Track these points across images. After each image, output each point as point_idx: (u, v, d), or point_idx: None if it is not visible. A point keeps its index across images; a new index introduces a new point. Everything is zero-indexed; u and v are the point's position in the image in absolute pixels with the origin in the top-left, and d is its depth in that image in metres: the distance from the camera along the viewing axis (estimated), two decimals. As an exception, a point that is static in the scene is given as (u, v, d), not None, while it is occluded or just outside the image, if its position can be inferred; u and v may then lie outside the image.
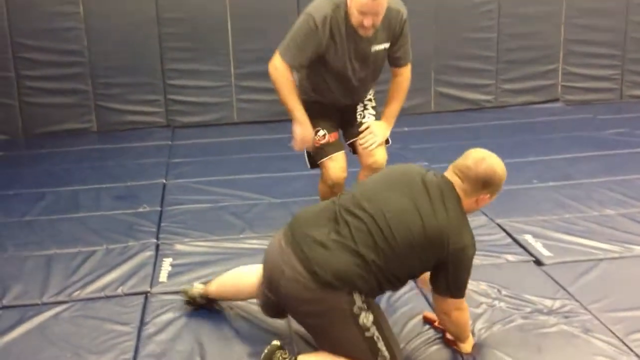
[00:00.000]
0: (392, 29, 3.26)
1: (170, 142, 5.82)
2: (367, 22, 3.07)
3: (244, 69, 6.24)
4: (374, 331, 2.38)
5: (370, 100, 3.62)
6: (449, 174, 2.51)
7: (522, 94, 6.71)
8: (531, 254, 3.49)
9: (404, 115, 6.53)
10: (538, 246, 3.55)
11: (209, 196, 4.46)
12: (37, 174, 5.03)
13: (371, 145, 3.45)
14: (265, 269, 2.54)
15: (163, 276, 3.36)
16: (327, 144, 3.45)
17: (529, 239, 3.64)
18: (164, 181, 4.78)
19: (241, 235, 3.84)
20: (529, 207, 4.09)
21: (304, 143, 3.39)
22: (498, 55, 6.59)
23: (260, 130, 6.09)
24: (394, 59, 3.41)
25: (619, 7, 6.62)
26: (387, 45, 3.30)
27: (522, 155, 5.09)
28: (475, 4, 6.43)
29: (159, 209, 4.26)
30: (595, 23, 6.63)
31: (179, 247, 3.70)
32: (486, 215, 3.96)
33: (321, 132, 3.43)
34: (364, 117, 3.56)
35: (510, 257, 3.47)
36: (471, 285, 3.15)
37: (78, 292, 3.23)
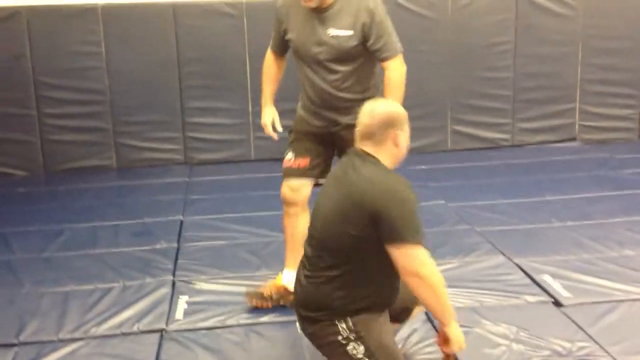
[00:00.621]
0: (359, 15, 3.04)
1: (187, 179, 5.87)
2: None
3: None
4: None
5: None
6: (358, 145, 2.47)
7: (539, 133, 6.70)
8: (550, 295, 3.45)
9: (421, 154, 6.62)
10: (557, 287, 3.51)
11: (225, 233, 4.47)
12: (56, 211, 5.08)
13: None
14: None
15: (179, 313, 3.37)
16: (290, 168, 3.33)
17: (547, 279, 3.60)
18: (181, 218, 4.80)
19: (257, 273, 3.84)
20: (547, 247, 4.06)
21: (264, 128, 3.43)
22: (514, 94, 6.60)
23: (277, 168, 6.00)
24: (375, 53, 3.12)
25: (636, 46, 6.63)
26: (350, 33, 3.05)
27: (540, 194, 5.07)
28: (491, 44, 6.48)
29: (175, 245, 4.28)
30: (612, 63, 6.64)
31: (195, 284, 3.71)
32: (504, 254, 3.94)
33: (289, 155, 3.34)
34: None
35: (528, 298, 3.44)
36: (489, 325, 3.14)
37: (94, 329, 3.24)
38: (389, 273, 2.37)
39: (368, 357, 2.37)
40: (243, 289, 3.59)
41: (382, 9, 3.10)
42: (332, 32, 3.06)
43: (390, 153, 2.44)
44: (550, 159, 6.18)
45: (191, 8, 6.11)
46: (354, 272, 2.37)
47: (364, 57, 3.14)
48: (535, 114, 6.67)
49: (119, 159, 6.30)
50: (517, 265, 3.81)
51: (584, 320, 3.16)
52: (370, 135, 2.42)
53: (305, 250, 2.53)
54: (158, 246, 4.27)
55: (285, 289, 3.35)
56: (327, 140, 3.31)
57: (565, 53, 6.57)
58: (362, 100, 3.02)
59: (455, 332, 2.39)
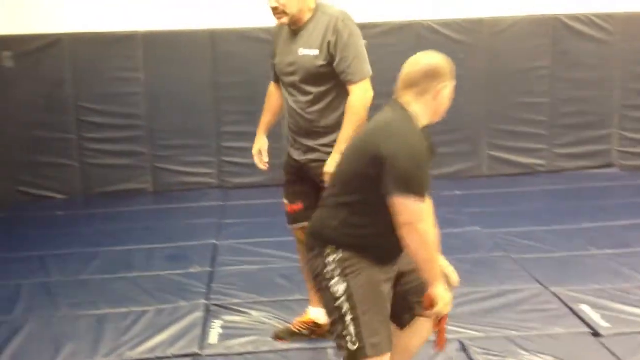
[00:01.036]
0: (326, 35, 2.94)
1: (222, 203, 5.91)
2: (271, 2, 2.96)
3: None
4: (343, 303, 2.31)
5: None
6: (398, 94, 2.41)
7: (576, 159, 6.60)
8: (588, 325, 3.37)
9: (456, 179, 6.58)
10: (595, 317, 3.44)
11: (259, 258, 4.49)
12: (93, 234, 5.16)
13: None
14: None
15: (213, 338, 3.38)
16: (287, 213, 3.30)
17: (585, 309, 3.53)
18: (215, 242, 4.83)
19: (290, 298, 3.84)
20: (585, 276, 3.98)
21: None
22: (551, 119, 6.54)
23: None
24: (340, 75, 2.98)
25: (676, 72, 6.53)
26: (316, 52, 2.95)
27: (577, 221, 4.99)
28: (527, 69, 6.44)
29: (209, 269, 4.30)
30: (651, 88, 6.55)
31: (229, 308, 3.71)
32: (540, 283, 3.87)
33: (285, 200, 3.32)
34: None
35: (566, 328, 3.37)
36: (526, 356, 3.08)
37: (129, 352, 3.27)
38: (389, 225, 2.29)
39: (346, 298, 2.31)
40: (277, 314, 3.60)
41: (352, 30, 2.97)
42: (302, 51, 2.99)
43: (429, 106, 2.38)
44: (587, 186, 6.08)
45: (228, 34, 6.21)
46: (355, 209, 2.33)
47: (337, 79, 3.00)
48: (572, 140, 6.58)
49: (156, 183, 6.38)
50: (554, 294, 3.74)
51: (623, 351, 3.09)
52: (412, 84, 2.36)
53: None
54: (192, 270, 4.30)
55: (315, 323, 3.34)
56: (309, 176, 3.19)
57: (603, 78, 6.50)
58: (336, 127, 2.99)
59: (441, 291, 2.31)
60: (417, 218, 2.23)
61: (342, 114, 3.01)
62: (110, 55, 6.16)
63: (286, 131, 3.23)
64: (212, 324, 3.54)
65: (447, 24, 6.25)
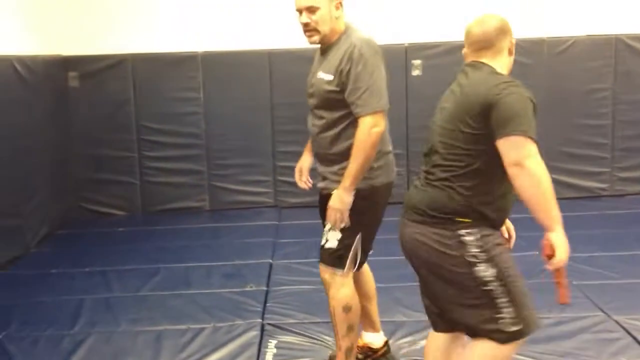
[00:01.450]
0: (341, 61, 2.79)
1: (277, 222, 5.95)
2: (302, 18, 2.82)
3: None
4: (495, 287, 2.28)
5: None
6: (471, 59, 2.44)
7: (639, 183, 6.42)
8: (654, 356, 3.26)
9: (514, 202, 6.43)
10: (661, 347, 3.32)
11: (314, 278, 4.46)
12: (152, 250, 5.27)
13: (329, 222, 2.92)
14: (405, 253, 2.53)
15: (268, 358, 3.39)
16: None
17: (650, 338, 3.41)
18: (271, 261, 4.87)
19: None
20: (650, 304, 3.85)
21: None
22: (613, 142, 6.39)
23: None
24: (350, 105, 2.81)
25: None
26: (330, 77, 2.82)
27: (641, 247, 4.84)
28: (589, 90, 6.31)
29: (264, 288, 4.33)
30: None
31: (284, 328, 3.72)
32: (603, 311, 3.76)
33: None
34: (327, 239, 2.98)
35: (629, 359, 3.26)
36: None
37: (185, 369, 3.30)
38: (507, 183, 2.26)
39: (499, 281, 2.27)
40: (331, 335, 3.58)
41: (368, 60, 2.77)
42: (320, 74, 2.89)
43: (505, 63, 2.41)
44: (652, 210, 5.91)
45: (285, 54, 6.29)
46: (477, 174, 2.29)
47: (349, 109, 2.83)
48: (636, 163, 6.42)
49: (212, 201, 6.48)
50: (617, 322, 3.63)
51: (691, 386, 2.97)
52: (488, 45, 2.38)
53: (423, 166, 2.48)
54: (248, 288, 4.33)
55: (370, 348, 3.32)
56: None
57: (668, 100, 6.33)
58: (348, 156, 2.80)
59: (560, 239, 2.19)
60: (526, 154, 2.14)
61: (352, 146, 2.85)
62: (171, 75, 6.32)
63: None
64: (268, 343, 3.55)
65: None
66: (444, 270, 2.35)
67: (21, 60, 5.32)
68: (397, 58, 6.32)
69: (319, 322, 3.78)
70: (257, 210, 6.33)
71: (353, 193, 2.84)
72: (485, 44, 2.39)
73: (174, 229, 5.89)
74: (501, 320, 2.29)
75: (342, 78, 2.79)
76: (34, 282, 4.61)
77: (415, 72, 6.33)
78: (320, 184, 3.07)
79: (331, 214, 2.88)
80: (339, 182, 2.86)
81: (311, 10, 2.78)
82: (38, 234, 5.52)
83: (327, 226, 2.97)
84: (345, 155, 2.85)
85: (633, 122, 6.36)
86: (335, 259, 2.96)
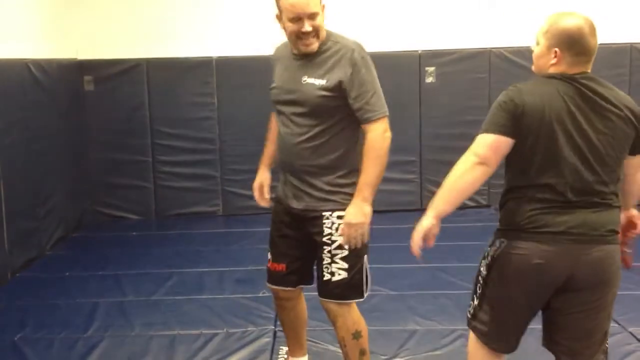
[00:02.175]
0: (337, 65, 2.65)
1: (290, 228, 5.95)
2: (305, 26, 2.60)
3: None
4: None
5: (330, 239, 2.72)
6: (582, 70, 2.33)
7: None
8: (669, 369, 3.24)
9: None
10: (676, 360, 3.30)
11: (327, 285, 4.48)
12: (166, 255, 5.29)
13: (348, 243, 2.70)
14: (550, 278, 2.30)
15: (280, 364, 3.39)
16: (268, 269, 3.02)
17: (666, 351, 3.39)
18: (284, 267, 4.86)
19: (358, 328, 3.81)
20: (666, 315, 3.83)
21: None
22: (628, 151, 6.35)
23: (381, 220, 6.10)
24: (357, 113, 2.66)
25: None
26: (322, 83, 2.64)
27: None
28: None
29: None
30: None
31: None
32: (618, 322, 3.73)
33: (268, 255, 3.02)
34: (331, 272, 2.75)
35: (645, 370, 3.24)
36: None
37: (199, 375, 3.31)
38: None
39: None
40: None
41: (369, 64, 2.68)
42: (306, 79, 2.69)
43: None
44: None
45: (300, 61, 6.29)
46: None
47: (339, 117, 2.69)
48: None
49: (225, 206, 6.50)
50: (631, 334, 3.61)
51: None
52: (594, 53, 2.33)
53: (576, 192, 2.25)
54: (260, 294, 4.34)
55: None
56: (306, 233, 2.83)
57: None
58: (330, 170, 2.68)
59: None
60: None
61: (340, 157, 2.71)
62: (185, 80, 6.36)
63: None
64: (280, 350, 3.56)
65: (518, 51, 6.18)
66: (615, 290, 2.40)
67: (37, 63, 5.37)
68: (411, 65, 6.32)
69: (330, 330, 3.77)
70: (269, 216, 6.30)
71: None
72: (594, 53, 2.31)
73: (188, 233, 5.91)
74: None
75: (344, 85, 2.63)
76: (48, 285, 4.64)
77: (429, 79, 6.33)
78: (295, 204, 2.79)
79: (352, 231, 2.65)
80: (327, 199, 2.71)
81: (313, 16, 2.61)
82: (53, 237, 5.56)
83: (326, 259, 2.75)
84: (328, 169, 2.70)
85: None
86: (350, 289, 2.77)
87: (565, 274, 2.26)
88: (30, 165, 5.15)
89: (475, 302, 2.46)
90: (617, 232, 2.32)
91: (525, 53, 6.12)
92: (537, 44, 2.35)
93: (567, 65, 2.27)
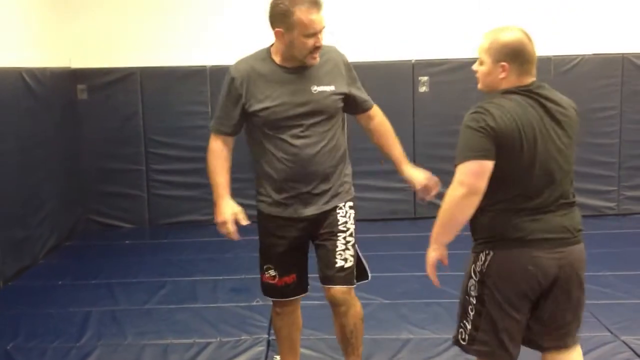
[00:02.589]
0: (339, 68, 2.83)
1: (284, 237, 5.95)
2: (318, 41, 2.69)
3: (358, 168, 6.35)
4: None
5: (346, 226, 2.87)
6: (530, 80, 2.42)
7: (646, 202, 6.43)
8: (661, 377, 3.25)
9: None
10: (669, 369, 3.31)
11: (321, 293, 4.44)
12: (159, 263, 5.28)
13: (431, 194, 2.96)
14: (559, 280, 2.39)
15: (273, 374, 3.39)
16: (274, 286, 2.99)
17: (658, 359, 3.40)
18: (278, 276, 4.86)
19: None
20: (658, 324, 3.84)
21: (220, 228, 2.90)
22: (620, 161, 6.39)
23: (371, 229, 6.12)
24: (360, 104, 2.93)
25: None
26: (333, 88, 2.78)
27: (649, 267, 4.84)
28: (595, 109, 6.32)
29: (271, 304, 4.31)
30: None
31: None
32: (610, 331, 3.75)
33: (272, 272, 2.96)
34: (345, 258, 2.86)
35: (637, 379, 3.25)
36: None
37: (192, 384, 3.30)
38: None
39: None
40: (337, 351, 3.58)
41: None
42: (315, 88, 2.76)
43: None
44: (659, 230, 5.91)
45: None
46: None
47: (340, 115, 2.89)
48: (643, 182, 6.42)
49: (219, 215, 6.48)
50: (624, 343, 3.62)
51: (700, 408, 2.96)
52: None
53: (549, 196, 2.34)
54: (254, 303, 4.33)
55: None
56: (309, 235, 2.93)
57: (675, 119, 6.34)
58: (340, 163, 2.88)
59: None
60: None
61: (343, 151, 2.92)
62: (179, 89, 6.36)
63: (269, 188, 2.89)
64: (273, 359, 3.55)
65: (513, 62, 6.20)
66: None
67: (30, 72, 5.37)
68: (405, 74, 6.35)
69: (325, 338, 3.78)
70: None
71: None
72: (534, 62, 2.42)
73: (181, 242, 5.91)
74: None
75: (348, 85, 2.84)
76: (41, 294, 4.63)
77: (423, 89, 6.36)
78: (307, 211, 2.84)
79: (432, 184, 2.97)
80: (338, 193, 2.89)
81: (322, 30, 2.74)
82: (46, 246, 5.54)
83: (340, 246, 2.85)
84: (340, 163, 2.90)
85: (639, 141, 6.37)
86: (359, 272, 2.97)
87: (553, 275, 2.34)
88: (23, 173, 5.14)
89: (469, 326, 2.44)
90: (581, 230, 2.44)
91: (517, 63, 6.18)
92: (481, 63, 2.43)
93: (516, 77, 2.36)
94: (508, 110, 2.29)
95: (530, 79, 2.37)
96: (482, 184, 2.25)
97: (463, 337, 2.47)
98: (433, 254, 2.42)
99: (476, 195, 2.26)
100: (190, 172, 6.42)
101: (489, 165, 2.25)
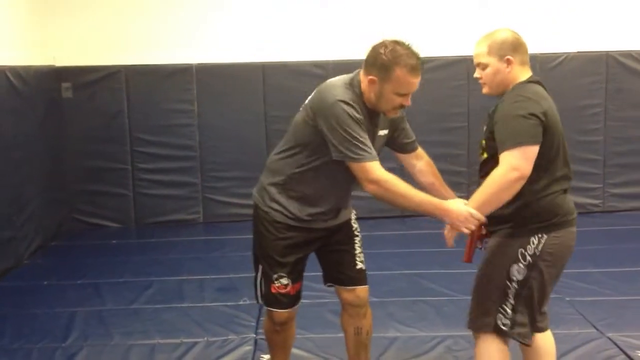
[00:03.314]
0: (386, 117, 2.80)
1: (271, 236, 5.93)
2: (407, 101, 2.67)
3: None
4: None
5: (357, 231, 3.06)
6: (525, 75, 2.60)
7: (631, 199, 6.47)
8: (646, 373, 3.27)
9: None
10: (654, 365, 3.33)
11: (309, 292, 4.41)
12: (146, 263, 5.25)
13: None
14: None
15: (272, 373, 3.37)
16: (286, 295, 2.89)
17: (643, 356, 3.43)
18: (265, 275, 4.85)
19: (340, 335, 3.81)
20: (643, 321, 3.87)
21: (466, 222, 2.48)
22: (605, 158, 6.43)
23: (362, 227, 6.09)
24: (409, 144, 2.98)
25: None
26: (386, 132, 2.84)
27: (633, 263, 4.87)
28: (580, 107, 6.36)
29: (257, 305, 4.31)
30: None
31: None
32: (596, 328, 3.77)
33: (284, 281, 2.87)
34: (362, 261, 3.02)
35: (623, 376, 3.27)
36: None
37: (179, 384, 3.29)
38: None
39: None
40: (325, 350, 3.58)
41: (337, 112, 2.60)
42: (379, 132, 2.80)
43: None
44: (644, 227, 5.95)
45: (280, 68, 6.31)
46: None
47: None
48: (627, 180, 6.46)
49: (206, 214, 6.47)
50: (610, 339, 3.64)
51: (685, 403, 2.98)
52: None
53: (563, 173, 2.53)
54: (241, 302, 4.32)
55: None
56: (316, 247, 2.99)
57: (659, 116, 6.39)
58: None
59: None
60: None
61: None
62: (165, 87, 6.33)
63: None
64: (260, 358, 3.54)
65: (497, 59, 6.23)
66: None
67: (14, 70, 5.32)
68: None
69: (312, 338, 3.78)
70: (251, 223, 6.29)
71: None
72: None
73: (168, 241, 5.88)
74: None
75: (400, 123, 2.95)
76: (26, 294, 4.59)
77: (409, 87, 6.36)
78: (335, 222, 2.92)
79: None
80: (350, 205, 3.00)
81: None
82: (31, 246, 5.50)
83: (358, 249, 3.01)
84: None
85: (624, 138, 6.41)
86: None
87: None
88: (7, 173, 5.09)
89: (509, 310, 2.51)
90: None
91: (503, 61, 6.21)
92: (485, 67, 2.55)
93: (520, 69, 2.54)
94: (543, 97, 2.46)
95: (530, 73, 2.55)
96: (531, 168, 2.37)
97: (504, 322, 2.52)
98: (477, 215, 2.42)
99: (524, 179, 2.37)
100: (177, 170, 6.40)
101: (537, 149, 2.38)
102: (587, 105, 6.38)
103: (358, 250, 3.00)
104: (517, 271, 2.48)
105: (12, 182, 5.17)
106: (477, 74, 2.60)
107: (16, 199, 5.27)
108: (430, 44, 6.34)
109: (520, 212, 2.46)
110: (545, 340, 2.77)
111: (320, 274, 4.62)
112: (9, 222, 5.14)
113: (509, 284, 2.50)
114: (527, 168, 2.35)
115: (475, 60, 2.58)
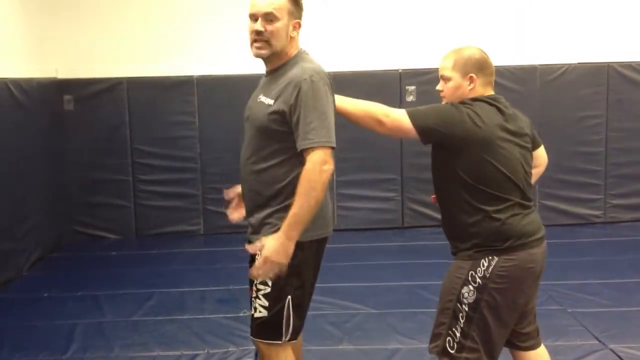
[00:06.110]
0: (287, 86, 2.42)
1: (272, 247, 5.92)
2: (256, 25, 2.46)
3: (345, 177, 6.37)
4: None
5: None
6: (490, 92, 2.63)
7: (632, 210, 6.46)
8: (649, 385, 3.25)
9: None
10: (657, 376, 3.31)
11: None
12: (146, 274, 5.24)
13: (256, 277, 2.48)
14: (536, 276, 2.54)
15: (261, 385, 3.35)
16: (303, 319, 2.75)
17: (646, 367, 3.41)
18: (265, 286, 4.84)
19: (339, 346, 3.80)
20: (646, 333, 3.85)
21: None
22: (606, 169, 6.43)
23: (359, 239, 6.13)
24: (296, 139, 2.40)
25: None
26: (271, 102, 2.43)
27: (636, 274, 4.85)
28: (581, 118, 6.37)
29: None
30: None
31: (278, 355, 3.69)
32: (598, 339, 3.75)
33: (306, 308, 2.73)
34: (254, 307, 2.60)
35: (625, 387, 3.25)
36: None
37: (179, 397, 3.27)
38: None
39: None
40: (326, 363, 3.57)
41: (321, 89, 2.40)
42: (259, 97, 2.52)
43: None
44: (646, 238, 5.93)
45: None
46: None
47: (287, 143, 2.44)
48: (629, 190, 6.45)
49: (206, 225, 6.47)
50: (612, 351, 3.62)
51: (688, 416, 2.96)
52: None
53: (522, 196, 2.50)
54: (241, 314, 4.31)
55: None
56: None
57: (660, 128, 6.39)
58: (275, 200, 2.46)
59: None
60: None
61: (285, 187, 2.46)
62: (166, 99, 6.34)
63: None
64: (262, 370, 3.52)
65: (499, 71, 6.13)
66: None
67: (16, 83, 5.33)
68: (392, 84, 6.37)
69: (312, 350, 3.76)
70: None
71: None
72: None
73: (168, 253, 5.87)
74: None
75: (294, 108, 2.39)
76: (26, 306, 4.58)
77: (410, 98, 6.38)
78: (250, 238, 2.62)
79: (267, 268, 2.39)
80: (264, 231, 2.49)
81: (269, 18, 2.44)
82: (31, 257, 5.49)
83: (253, 293, 2.60)
84: (273, 199, 2.49)
85: (626, 149, 6.41)
86: (268, 329, 2.57)
87: (540, 270, 2.52)
88: (8, 185, 5.10)
89: (458, 333, 2.45)
90: None
91: (503, 72, 6.22)
92: (447, 81, 2.57)
93: (482, 88, 2.55)
94: (486, 113, 2.47)
95: (491, 91, 2.57)
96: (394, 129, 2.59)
97: (451, 345, 2.47)
98: None
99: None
100: (177, 182, 6.40)
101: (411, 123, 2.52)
102: (588, 116, 6.38)
103: (253, 294, 2.62)
104: (468, 293, 2.43)
105: (13, 194, 5.17)
106: (439, 87, 2.62)
107: (17, 211, 5.27)
108: (429, 56, 6.35)
109: (473, 236, 2.44)
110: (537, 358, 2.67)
111: (319, 285, 4.62)
112: (10, 234, 5.14)
113: (459, 306, 2.45)
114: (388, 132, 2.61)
115: (440, 73, 2.61)
